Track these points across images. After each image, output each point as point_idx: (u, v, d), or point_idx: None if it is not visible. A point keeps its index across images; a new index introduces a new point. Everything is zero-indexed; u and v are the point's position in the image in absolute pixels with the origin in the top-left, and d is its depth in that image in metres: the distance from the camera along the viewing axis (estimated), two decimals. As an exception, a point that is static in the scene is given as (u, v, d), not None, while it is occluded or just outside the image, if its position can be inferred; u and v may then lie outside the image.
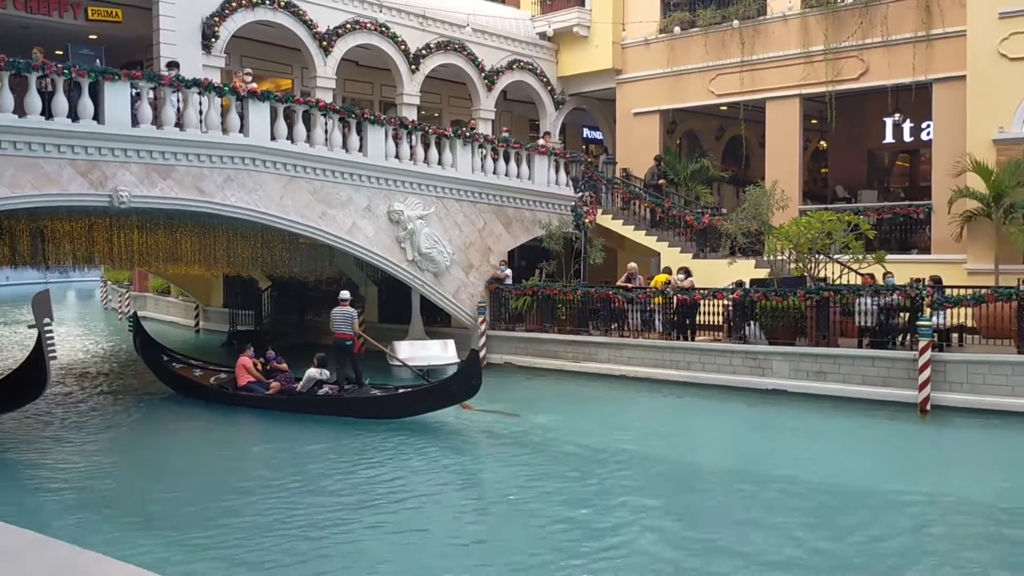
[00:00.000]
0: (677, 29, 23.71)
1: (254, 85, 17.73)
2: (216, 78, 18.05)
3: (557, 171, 22.74)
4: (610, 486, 10.76)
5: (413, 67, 22.41)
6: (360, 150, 18.64)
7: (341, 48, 21.13)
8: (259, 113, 17.09)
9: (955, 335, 15.75)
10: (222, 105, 16.72)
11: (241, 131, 16.87)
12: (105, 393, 17.59)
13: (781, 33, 21.92)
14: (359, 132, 18.70)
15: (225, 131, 16.65)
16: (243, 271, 24.28)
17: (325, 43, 20.70)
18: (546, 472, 11.40)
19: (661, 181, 23.22)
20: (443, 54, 23.10)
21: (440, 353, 20.02)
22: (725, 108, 24.33)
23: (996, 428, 13.40)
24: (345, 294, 16.22)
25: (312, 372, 15.14)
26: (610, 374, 18.51)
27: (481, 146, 21.08)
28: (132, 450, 13.19)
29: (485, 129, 23.47)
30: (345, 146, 18.46)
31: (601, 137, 28.83)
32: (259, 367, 15.92)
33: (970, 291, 15.14)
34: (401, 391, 14.85)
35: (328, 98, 20.08)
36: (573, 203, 21.44)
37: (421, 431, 13.82)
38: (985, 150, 17.97)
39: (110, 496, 10.40)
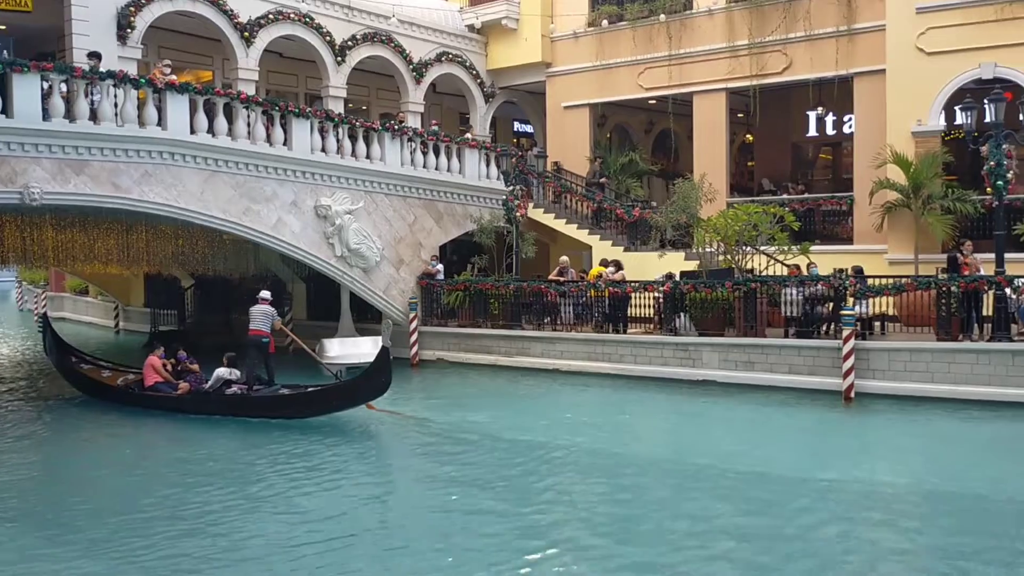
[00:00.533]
0: (605, 23, 23.78)
1: (173, 77, 17.14)
2: (133, 70, 17.39)
3: (488, 165, 22.60)
4: (544, 480, 10.68)
5: (339, 59, 21.99)
6: (285, 144, 18.17)
7: (263, 39, 20.60)
8: (178, 106, 16.50)
9: (877, 324, 16.12)
10: (138, 97, 16.10)
11: (159, 124, 16.28)
12: (15, 398, 16.84)
13: (707, 28, 22.16)
14: (283, 125, 18.23)
15: (142, 124, 16.03)
16: (164, 269, 23.56)
17: (247, 34, 20.15)
18: (478, 468, 11.24)
19: (603, 179, 23.31)
20: (370, 46, 22.72)
21: (372, 350, 19.49)
22: (654, 102, 24.54)
23: (917, 414, 13.73)
24: (265, 293, 15.79)
25: (221, 371, 14.78)
26: (543, 368, 18.48)
27: (410, 139, 20.78)
28: (39, 457, 12.59)
29: (414, 122, 23.20)
30: (269, 139, 17.97)
31: (532, 130, 28.79)
32: (169, 368, 15.44)
33: (891, 280, 15.50)
34: (310, 390, 14.52)
35: (251, 90, 19.56)
36: (504, 197, 21.34)
37: (337, 430, 13.53)
38: (904, 142, 18.46)
39: (21, 507, 9.92)
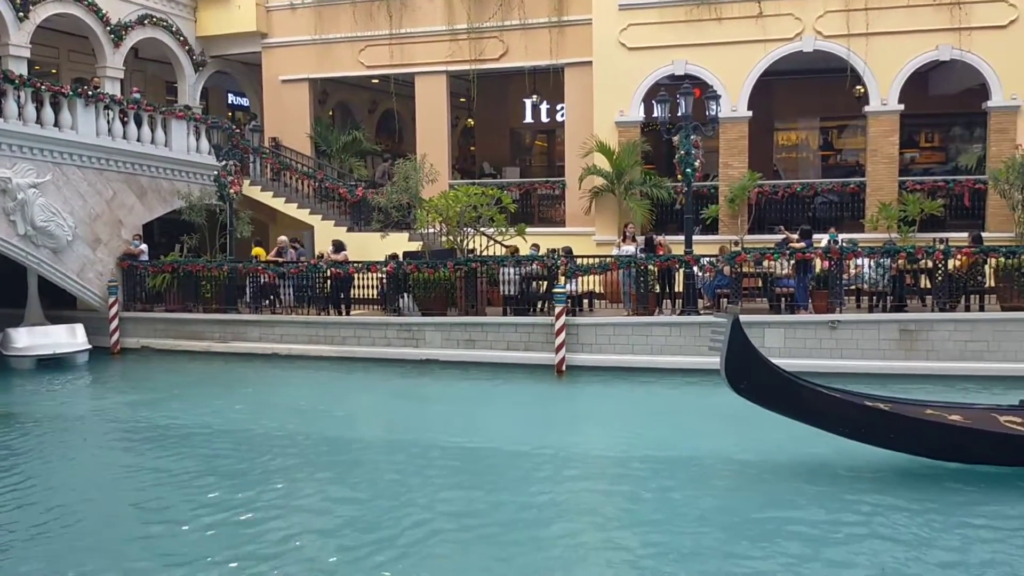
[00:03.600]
0: (324, -5, 23.09)
1: None
2: None
3: (198, 137, 21.18)
4: (255, 470, 10.16)
5: (20, 15, 19.40)
6: (-49, 106, 15.83)
7: (-78, -15, 17.74)
8: None
9: (585, 301, 17.12)
10: None
11: None
12: None
13: (427, 9, 22.23)
14: (-51, 84, 15.86)
15: None
16: None
17: (-101, -24, 17.23)
18: (180, 463, 10.44)
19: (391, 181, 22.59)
20: (58, 2, 20.26)
21: (67, 339, 17.87)
22: (376, 81, 24.27)
23: (620, 383, 14.75)
24: None
25: None
26: (262, 353, 17.71)
27: (107, 107, 18.92)
28: None
29: (113, 89, 21.12)
30: (-69, 101, 15.57)
31: (248, 104, 27.40)
32: None
33: (597, 260, 16.51)
34: None
35: (-95, 42, 16.78)
36: (216, 172, 20.07)
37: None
38: (609, 132, 19.74)
39: None
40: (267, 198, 22.01)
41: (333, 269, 17.75)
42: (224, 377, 16.29)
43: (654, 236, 17.14)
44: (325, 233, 20.71)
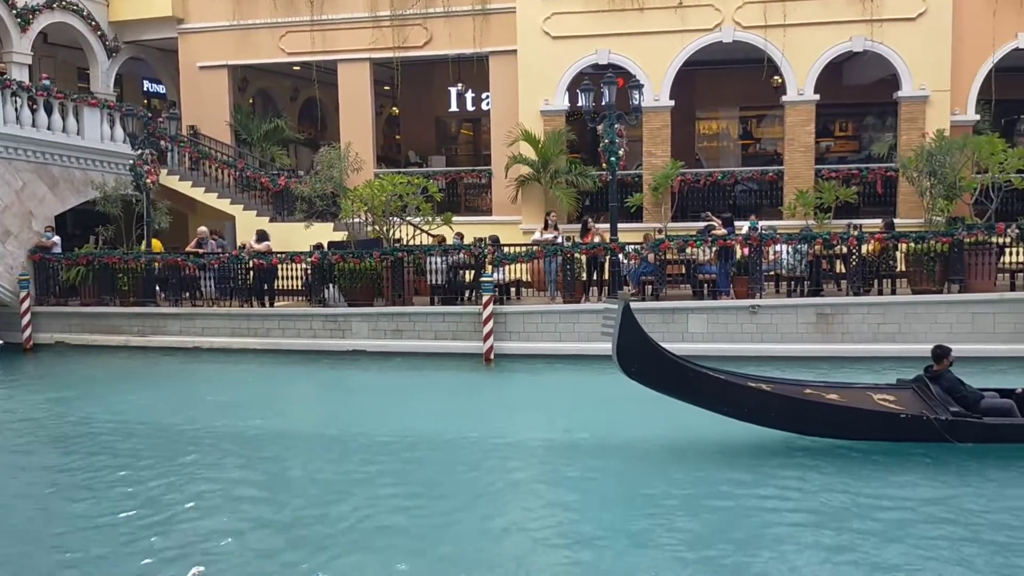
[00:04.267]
0: (243, -21, 22.53)
1: None
2: None
3: (112, 126, 20.49)
4: (175, 469, 9.89)
5: (-84, -5, 18.50)
6: None
7: None
8: None
9: (513, 289, 17.17)
10: None
11: None
12: None
13: (350, -5, 21.90)
14: None
15: None
16: None
17: None
18: (93, 463, 10.13)
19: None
20: (-42, -17, 19.40)
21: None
22: (298, 68, 23.83)
23: (548, 371, 14.89)
24: None
25: None
26: (183, 347, 17.29)
27: (15, 94, 18.14)
28: None
29: (20, 76, 20.25)
30: None
31: (164, 91, 26.61)
32: None
33: (524, 248, 16.57)
34: None
35: None
36: (132, 162, 19.43)
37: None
38: (534, 121, 19.81)
39: None
40: (186, 188, 21.46)
41: (256, 260, 17.41)
42: (143, 372, 15.85)
43: (589, 220, 17.27)
44: (247, 223, 20.30)
